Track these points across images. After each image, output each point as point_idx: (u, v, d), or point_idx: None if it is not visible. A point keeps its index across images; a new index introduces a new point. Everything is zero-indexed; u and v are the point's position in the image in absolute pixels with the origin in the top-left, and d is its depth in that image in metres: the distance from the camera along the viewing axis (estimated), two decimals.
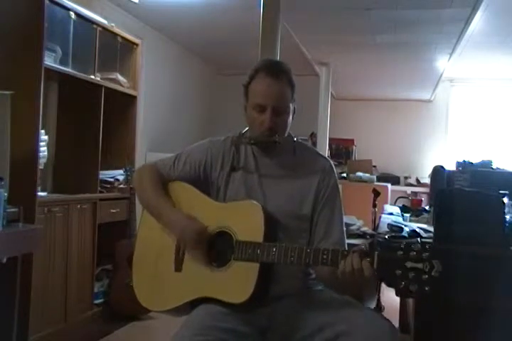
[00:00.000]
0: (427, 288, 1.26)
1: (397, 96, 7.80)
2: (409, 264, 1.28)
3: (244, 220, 1.55)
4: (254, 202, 1.55)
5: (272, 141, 1.59)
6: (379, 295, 3.18)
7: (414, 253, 1.28)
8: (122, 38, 3.77)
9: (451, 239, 2.02)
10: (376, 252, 1.33)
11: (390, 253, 1.31)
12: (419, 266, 1.27)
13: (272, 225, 1.53)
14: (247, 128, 1.70)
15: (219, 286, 1.52)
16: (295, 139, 1.71)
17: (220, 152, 1.69)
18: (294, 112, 1.64)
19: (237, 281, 1.50)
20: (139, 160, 4.27)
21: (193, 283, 1.56)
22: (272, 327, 1.53)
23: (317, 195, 1.63)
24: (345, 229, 1.67)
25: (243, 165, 1.66)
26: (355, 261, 1.34)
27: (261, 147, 1.64)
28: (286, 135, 1.64)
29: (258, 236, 1.49)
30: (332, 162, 1.75)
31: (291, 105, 1.61)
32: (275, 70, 1.59)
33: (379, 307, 3.18)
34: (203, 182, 1.68)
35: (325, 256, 1.39)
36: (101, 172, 3.46)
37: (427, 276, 1.26)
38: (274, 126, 1.57)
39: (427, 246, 1.28)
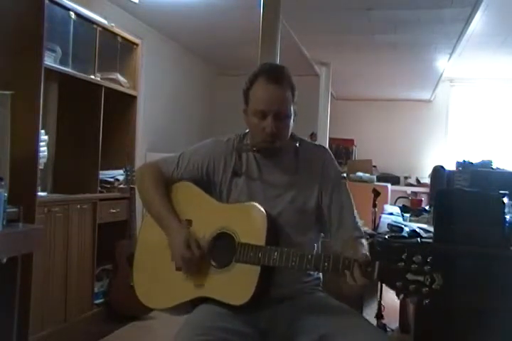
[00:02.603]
0: (426, 301, 1.26)
1: (397, 96, 7.81)
2: (410, 276, 1.28)
3: (247, 222, 1.55)
4: (258, 205, 1.55)
5: (275, 148, 1.58)
6: (380, 299, 3.17)
7: (416, 265, 1.27)
8: (122, 38, 3.77)
9: (451, 239, 2.03)
10: (377, 262, 1.32)
11: (391, 265, 1.30)
12: (420, 278, 1.26)
13: (274, 229, 1.53)
14: (247, 130, 1.69)
15: (220, 287, 1.52)
16: (297, 144, 1.68)
17: (222, 154, 1.68)
18: (295, 114, 1.63)
19: (237, 283, 1.50)
20: (139, 160, 4.26)
21: (194, 283, 1.56)
22: (273, 330, 1.53)
23: (321, 186, 1.63)
24: (356, 212, 1.66)
25: (245, 171, 1.65)
26: (356, 275, 1.34)
27: (263, 154, 1.63)
28: (288, 137, 1.63)
29: (260, 239, 1.49)
30: (330, 151, 1.74)
31: (292, 109, 1.60)
32: (276, 75, 1.57)
33: (379, 312, 3.17)
34: (205, 183, 1.68)
35: (326, 264, 1.39)
36: (101, 172, 3.45)
37: (427, 289, 1.25)
38: (276, 132, 1.55)
39: (429, 259, 1.27)
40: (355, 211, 1.66)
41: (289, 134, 1.63)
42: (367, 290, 2.98)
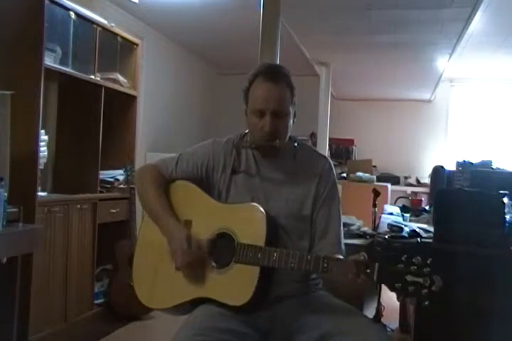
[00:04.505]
0: (426, 303, 1.26)
1: (397, 96, 7.80)
2: (409, 278, 1.28)
3: (247, 223, 1.55)
4: (258, 205, 1.55)
5: (272, 146, 1.58)
6: (379, 299, 3.16)
7: (415, 267, 1.27)
8: (122, 38, 3.78)
9: (451, 239, 2.03)
10: (377, 264, 1.32)
11: (390, 266, 1.30)
12: (420, 280, 1.27)
13: (274, 230, 1.53)
14: (247, 130, 1.70)
15: (219, 288, 1.52)
16: (296, 144, 1.69)
17: (222, 154, 1.69)
18: (294, 116, 1.63)
19: (237, 284, 1.50)
20: (139, 160, 4.27)
21: (194, 283, 1.56)
22: (273, 330, 1.53)
23: (316, 195, 1.64)
24: (342, 228, 1.67)
25: (244, 168, 1.66)
26: (353, 274, 1.34)
27: (261, 151, 1.64)
28: (287, 138, 1.64)
29: (260, 240, 1.49)
30: (331, 161, 1.75)
31: (291, 109, 1.60)
32: (274, 74, 1.58)
33: (378, 314, 3.16)
34: (204, 183, 1.69)
35: (325, 265, 1.39)
36: (101, 172, 3.46)
37: (426, 291, 1.26)
38: (274, 130, 1.56)
39: (428, 261, 1.27)
40: (342, 226, 1.66)
41: (288, 134, 1.63)
42: (367, 291, 2.97)
